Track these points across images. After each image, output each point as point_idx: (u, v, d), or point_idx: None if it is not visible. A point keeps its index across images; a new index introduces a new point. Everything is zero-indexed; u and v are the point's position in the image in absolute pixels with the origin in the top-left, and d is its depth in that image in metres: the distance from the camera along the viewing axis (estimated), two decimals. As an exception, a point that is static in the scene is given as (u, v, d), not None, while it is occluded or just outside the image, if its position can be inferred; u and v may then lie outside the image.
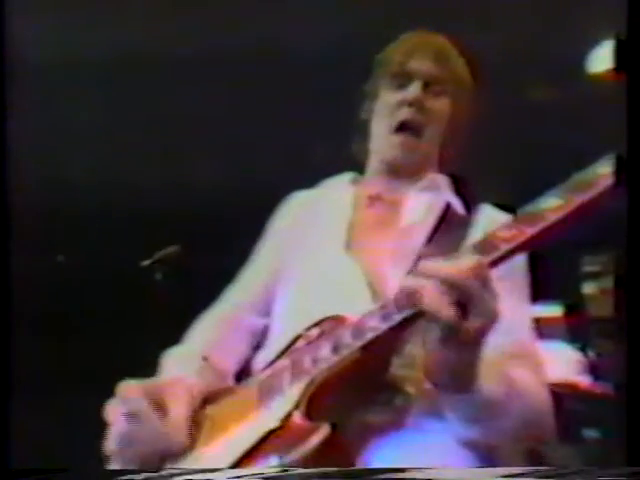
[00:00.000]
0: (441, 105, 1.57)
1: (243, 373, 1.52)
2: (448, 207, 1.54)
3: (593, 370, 3.31)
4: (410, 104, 1.54)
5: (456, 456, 1.30)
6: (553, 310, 3.30)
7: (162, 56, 2.93)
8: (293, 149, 2.97)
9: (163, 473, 1.31)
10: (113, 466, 1.35)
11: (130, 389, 1.33)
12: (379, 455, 1.23)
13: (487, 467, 1.30)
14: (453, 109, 1.59)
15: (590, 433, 3.13)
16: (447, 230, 1.48)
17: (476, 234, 1.41)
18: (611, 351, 3.26)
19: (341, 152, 1.75)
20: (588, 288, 3.57)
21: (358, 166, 1.69)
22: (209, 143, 3.20)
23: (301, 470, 1.17)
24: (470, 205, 1.54)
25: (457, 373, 1.15)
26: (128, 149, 3.21)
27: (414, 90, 1.54)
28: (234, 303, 1.62)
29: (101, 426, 1.35)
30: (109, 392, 1.35)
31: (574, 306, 3.47)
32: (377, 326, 1.20)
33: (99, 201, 3.23)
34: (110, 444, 1.32)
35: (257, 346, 1.55)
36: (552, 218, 1.14)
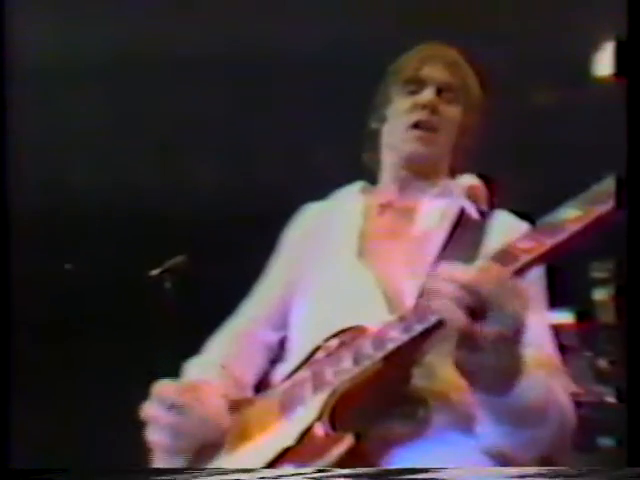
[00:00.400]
0: (452, 112, 1.58)
1: (262, 385, 1.52)
2: (462, 213, 1.53)
3: (605, 377, 3.30)
4: (424, 106, 1.55)
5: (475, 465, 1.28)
6: (564, 317, 3.28)
7: (164, 59, 2.93)
8: (300, 156, 2.96)
9: (195, 472, 1.34)
10: (162, 462, 1.36)
11: (167, 387, 1.35)
12: (402, 454, 1.23)
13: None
14: (463, 117, 1.60)
15: (605, 441, 3.12)
16: (462, 236, 1.47)
17: (492, 240, 1.42)
18: (623, 358, 3.24)
19: (347, 157, 1.75)
20: (598, 295, 3.56)
21: (366, 173, 1.69)
22: (217, 151, 3.20)
23: (337, 471, 1.17)
24: (484, 211, 1.54)
25: (488, 374, 1.14)
26: (135, 156, 3.21)
27: (428, 94, 1.56)
28: (250, 317, 1.62)
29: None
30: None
31: (585, 313, 3.45)
32: (398, 337, 1.20)
33: (106, 209, 3.22)
34: (159, 440, 1.33)
35: (274, 360, 1.56)
36: (571, 229, 1.14)
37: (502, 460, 1.28)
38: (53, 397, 3.04)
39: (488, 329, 1.07)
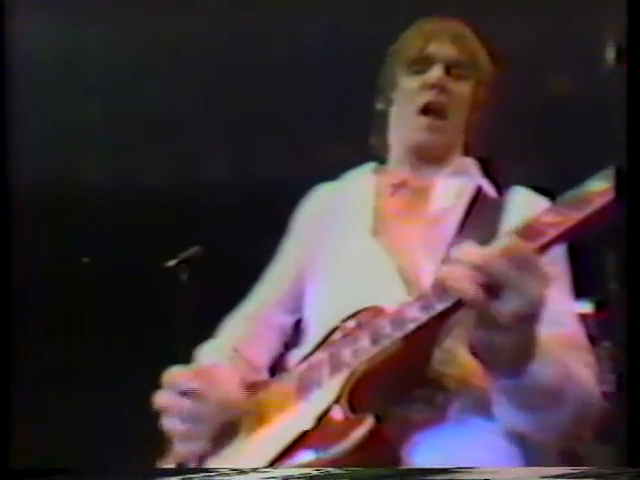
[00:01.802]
0: (463, 89, 1.53)
1: (277, 368, 1.50)
2: (479, 190, 1.50)
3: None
4: (433, 86, 1.50)
5: (498, 452, 1.26)
6: (583, 307, 3.23)
7: (172, 47, 2.92)
8: (310, 144, 2.94)
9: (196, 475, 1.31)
10: (181, 450, 1.34)
11: (178, 373, 1.33)
12: (421, 449, 1.20)
13: (528, 467, 1.27)
14: (474, 93, 1.54)
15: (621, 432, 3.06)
16: (479, 214, 1.44)
17: (511, 217, 1.39)
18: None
19: (356, 144, 1.73)
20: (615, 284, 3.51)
21: (374, 156, 1.65)
22: (229, 141, 3.19)
23: (336, 470, 1.15)
24: (501, 188, 1.50)
25: (504, 355, 1.10)
26: (148, 149, 3.21)
27: (436, 72, 1.50)
28: (262, 300, 1.60)
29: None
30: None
31: (603, 303, 3.41)
32: (418, 316, 1.16)
33: (120, 201, 3.22)
34: (175, 427, 1.30)
35: (288, 343, 1.53)
36: (599, 202, 1.08)
37: (523, 443, 1.27)
38: (56, 397, 3.04)
39: (506, 308, 1.03)
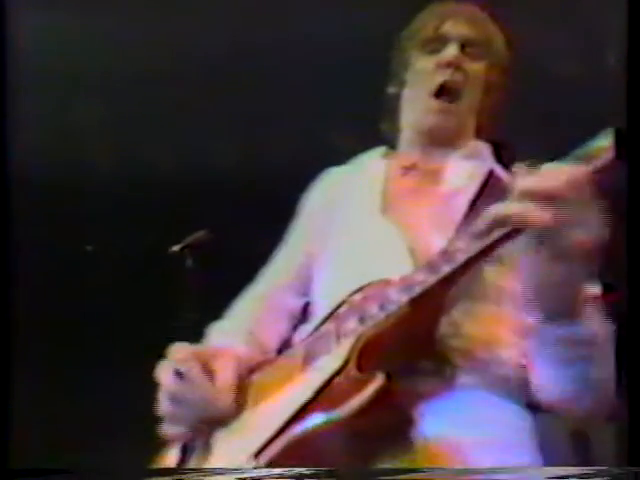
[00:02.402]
0: (477, 69, 1.53)
1: (285, 348, 1.50)
2: (491, 174, 1.48)
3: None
4: (448, 64, 1.49)
5: (504, 427, 1.26)
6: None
7: (173, 41, 2.92)
8: (318, 130, 2.94)
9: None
10: (165, 428, 1.34)
11: (181, 351, 1.33)
12: (428, 418, 1.19)
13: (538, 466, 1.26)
14: (488, 74, 1.54)
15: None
16: (490, 196, 1.40)
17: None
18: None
19: (364, 131, 1.71)
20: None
21: (384, 141, 1.65)
22: (234, 127, 3.18)
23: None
24: (514, 173, 1.48)
25: (563, 296, 1.11)
26: (153, 135, 3.21)
27: (452, 51, 1.50)
28: (272, 283, 1.60)
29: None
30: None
31: (612, 285, 3.40)
32: (424, 279, 1.17)
33: (124, 186, 3.22)
34: (162, 405, 1.32)
35: (296, 326, 1.53)
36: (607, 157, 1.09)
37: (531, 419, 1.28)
38: (57, 393, 3.04)
39: (576, 236, 1.04)
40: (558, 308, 1.12)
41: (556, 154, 1.14)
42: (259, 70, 3.00)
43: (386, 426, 1.15)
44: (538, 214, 1.04)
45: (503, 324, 1.31)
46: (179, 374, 1.29)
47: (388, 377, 1.11)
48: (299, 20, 2.80)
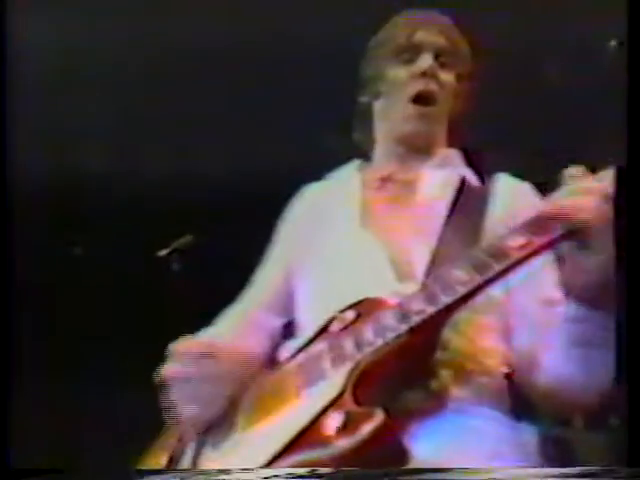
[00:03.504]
0: (449, 78, 1.56)
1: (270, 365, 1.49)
2: (464, 181, 1.52)
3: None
4: (423, 74, 1.52)
5: (498, 442, 1.30)
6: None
7: (169, 44, 2.90)
8: (308, 137, 2.96)
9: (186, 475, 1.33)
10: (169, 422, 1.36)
11: (186, 342, 1.35)
12: (425, 441, 1.21)
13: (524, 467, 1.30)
14: (458, 82, 1.57)
15: (615, 420, 3.13)
16: (466, 203, 1.47)
17: (496, 204, 1.43)
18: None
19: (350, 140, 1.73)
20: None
21: (364, 155, 1.67)
22: (224, 132, 3.17)
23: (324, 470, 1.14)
24: (484, 177, 1.53)
25: (605, 282, 1.17)
26: (141, 139, 3.19)
27: (427, 61, 1.53)
28: (252, 301, 1.60)
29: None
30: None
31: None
32: (422, 309, 1.18)
33: (113, 191, 3.21)
34: (182, 390, 1.33)
35: (277, 344, 1.52)
36: None
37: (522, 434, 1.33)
38: (54, 395, 3.06)
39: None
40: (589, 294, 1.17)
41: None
42: (250, 82, 3.00)
43: (383, 459, 1.15)
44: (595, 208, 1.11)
45: (489, 334, 1.35)
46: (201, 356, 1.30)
47: (386, 413, 1.11)
48: (298, 20, 2.79)
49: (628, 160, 1.27)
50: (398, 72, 1.55)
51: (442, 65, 1.55)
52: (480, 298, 1.23)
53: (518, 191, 1.43)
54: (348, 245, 1.47)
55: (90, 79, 3.01)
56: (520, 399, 1.35)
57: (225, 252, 2.90)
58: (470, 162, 1.58)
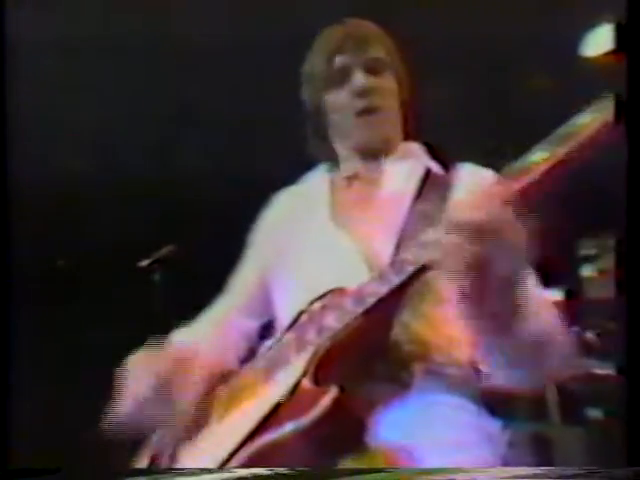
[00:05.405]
0: (387, 81, 1.56)
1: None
2: (428, 172, 1.53)
3: (593, 350, 3.32)
4: (360, 94, 1.52)
5: (460, 429, 1.30)
6: (553, 296, 3.28)
7: (160, 42, 2.91)
8: (293, 143, 2.96)
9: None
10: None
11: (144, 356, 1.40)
12: (384, 424, 1.23)
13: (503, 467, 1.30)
14: (397, 78, 1.57)
15: (594, 412, 3.14)
16: (430, 192, 1.48)
17: (460, 191, 1.42)
18: (610, 331, 3.27)
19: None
20: (586, 271, 3.59)
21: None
22: (207, 141, 3.18)
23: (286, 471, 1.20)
24: (448, 166, 1.53)
25: (498, 319, 1.15)
26: (123, 146, 3.20)
27: (360, 79, 1.52)
28: (228, 305, 1.63)
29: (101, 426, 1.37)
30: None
31: (573, 291, 3.47)
32: (376, 290, 1.23)
33: (94, 199, 3.21)
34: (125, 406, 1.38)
35: (253, 347, 1.55)
36: (538, 171, 1.12)
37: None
38: (53, 395, 3.03)
39: (496, 271, 1.08)
40: (495, 328, 1.16)
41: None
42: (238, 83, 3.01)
43: (341, 435, 1.19)
44: (468, 248, 1.07)
45: (456, 325, 1.31)
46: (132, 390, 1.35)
47: (341, 389, 1.17)
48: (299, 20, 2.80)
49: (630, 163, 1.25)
50: (336, 96, 1.55)
51: (376, 73, 1.54)
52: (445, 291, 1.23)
53: (482, 178, 1.42)
54: (321, 244, 1.49)
55: (77, 81, 3.01)
56: (488, 389, 1.35)
57: (207, 262, 2.89)
58: (433, 153, 1.59)
